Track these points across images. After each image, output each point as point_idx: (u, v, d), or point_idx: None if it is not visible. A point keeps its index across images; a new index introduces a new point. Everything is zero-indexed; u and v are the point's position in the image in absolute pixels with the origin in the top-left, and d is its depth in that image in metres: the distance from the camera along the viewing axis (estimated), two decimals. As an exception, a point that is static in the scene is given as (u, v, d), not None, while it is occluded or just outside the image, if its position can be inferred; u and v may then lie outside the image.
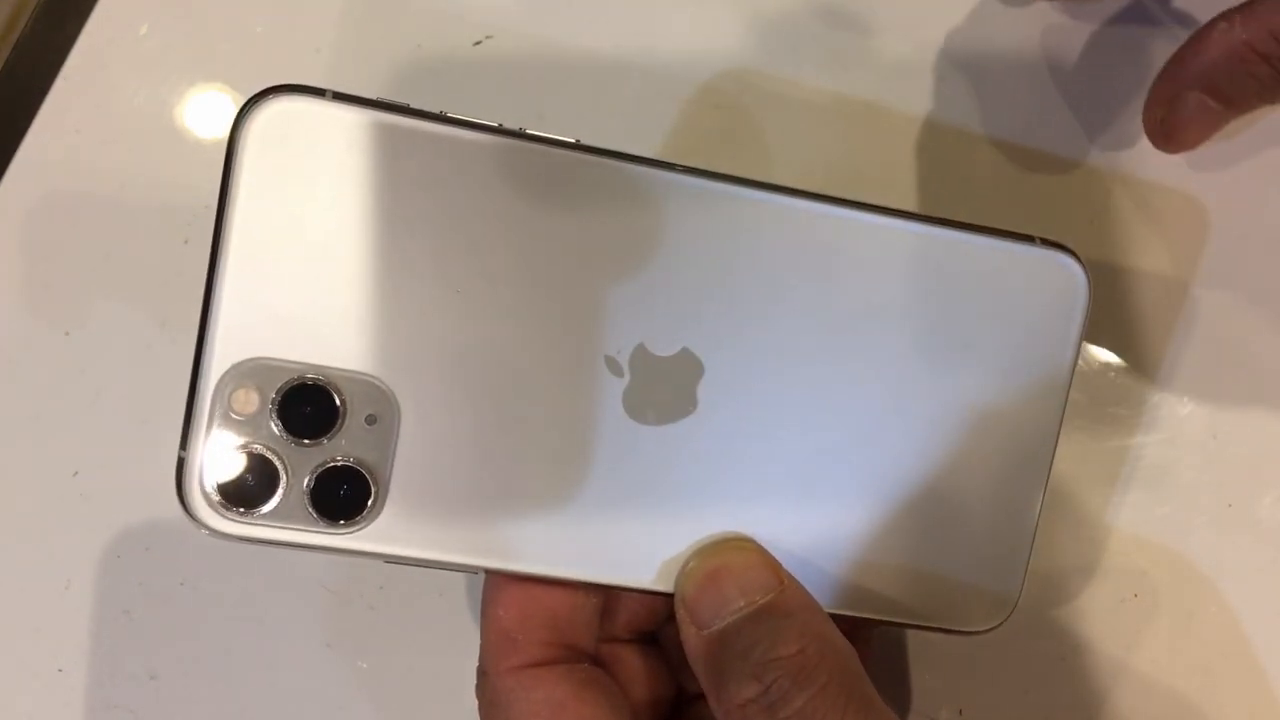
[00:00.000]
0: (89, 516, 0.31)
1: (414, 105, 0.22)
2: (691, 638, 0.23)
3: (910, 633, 0.31)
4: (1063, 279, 0.25)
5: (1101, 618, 0.32)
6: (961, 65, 0.33)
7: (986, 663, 0.31)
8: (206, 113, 0.33)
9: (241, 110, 0.21)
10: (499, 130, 0.22)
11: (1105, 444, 0.32)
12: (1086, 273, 0.25)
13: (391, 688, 0.31)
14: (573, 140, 0.23)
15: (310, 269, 0.22)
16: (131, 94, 0.33)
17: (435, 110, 0.22)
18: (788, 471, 0.24)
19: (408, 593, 0.31)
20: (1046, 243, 0.25)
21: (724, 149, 0.33)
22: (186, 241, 0.32)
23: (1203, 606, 0.32)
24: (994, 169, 0.33)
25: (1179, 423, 0.32)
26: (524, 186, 0.22)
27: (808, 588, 0.23)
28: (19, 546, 0.31)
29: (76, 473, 0.31)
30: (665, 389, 0.23)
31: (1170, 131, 0.29)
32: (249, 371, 0.22)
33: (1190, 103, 0.28)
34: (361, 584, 0.31)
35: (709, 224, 0.23)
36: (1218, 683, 0.31)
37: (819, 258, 0.24)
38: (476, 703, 0.24)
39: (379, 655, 0.31)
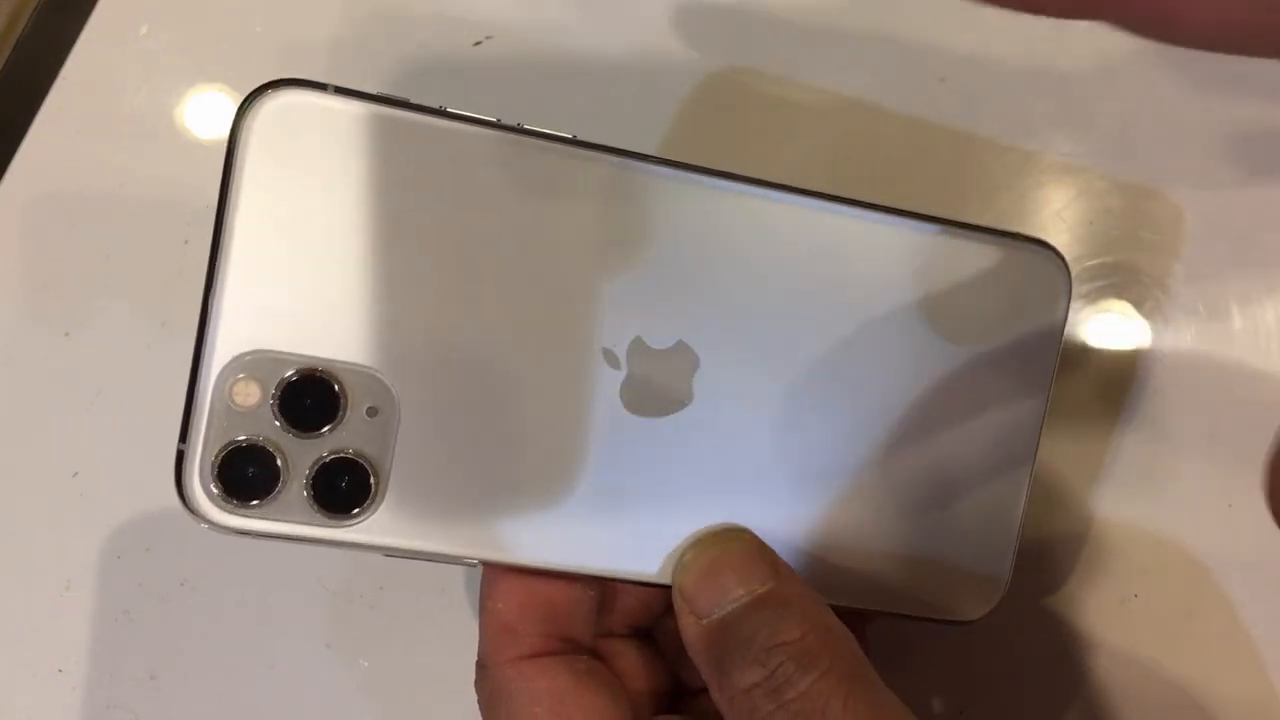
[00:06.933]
0: (89, 516, 0.31)
1: (414, 100, 0.22)
2: (690, 627, 0.23)
3: (910, 632, 0.31)
4: (1045, 273, 0.25)
5: (1102, 617, 0.32)
6: (960, 67, 0.33)
7: (987, 662, 0.31)
8: (206, 113, 0.33)
9: (243, 103, 0.21)
10: (498, 125, 0.22)
11: (1105, 444, 0.32)
12: (1067, 267, 0.26)
13: (392, 687, 0.31)
14: (570, 135, 0.23)
15: (310, 261, 0.22)
16: (131, 94, 0.33)
17: (435, 105, 0.22)
18: (780, 463, 0.24)
19: (408, 592, 0.31)
20: (1029, 239, 0.25)
21: (723, 149, 0.33)
22: (186, 241, 0.32)
23: (1203, 606, 0.32)
24: (990, 169, 0.33)
25: (1178, 422, 0.32)
26: (523, 181, 0.23)
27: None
28: (19, 546, 0.31)
29: (76, 473, 0.31)
30: (661, 381, 0.24)
31: None
32: (250, 364, 0.22)
33: None
34: (362, 583, 0.31)
35: (704, 219, 0.24)
36: (1218, 683, 0.31)
37: (812, 252, 0.24)
38: (476, 699, 0.24)
39: (379, 655, 0.31)
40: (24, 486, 0.31)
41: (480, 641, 0.24)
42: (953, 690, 0.32)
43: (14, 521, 0.31)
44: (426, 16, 0.33)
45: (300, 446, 0.22)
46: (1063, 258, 0.26)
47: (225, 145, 0.21)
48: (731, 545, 0.23)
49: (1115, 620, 0.31)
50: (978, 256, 0.25)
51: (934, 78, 0.33)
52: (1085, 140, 0.33)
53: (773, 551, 0.24)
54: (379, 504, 0.22)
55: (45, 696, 0.31)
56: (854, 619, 0.25)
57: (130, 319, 0.32)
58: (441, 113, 0.22)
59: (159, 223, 0.32)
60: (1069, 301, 0.26)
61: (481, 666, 0.24)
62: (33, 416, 0.31)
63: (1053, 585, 0.32)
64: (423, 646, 0.31)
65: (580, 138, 0.23)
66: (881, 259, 0.24)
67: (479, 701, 0.24)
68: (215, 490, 0.22)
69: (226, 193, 0.21)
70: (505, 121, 0.22)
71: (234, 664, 0.31)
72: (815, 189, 0.24)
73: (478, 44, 0.33)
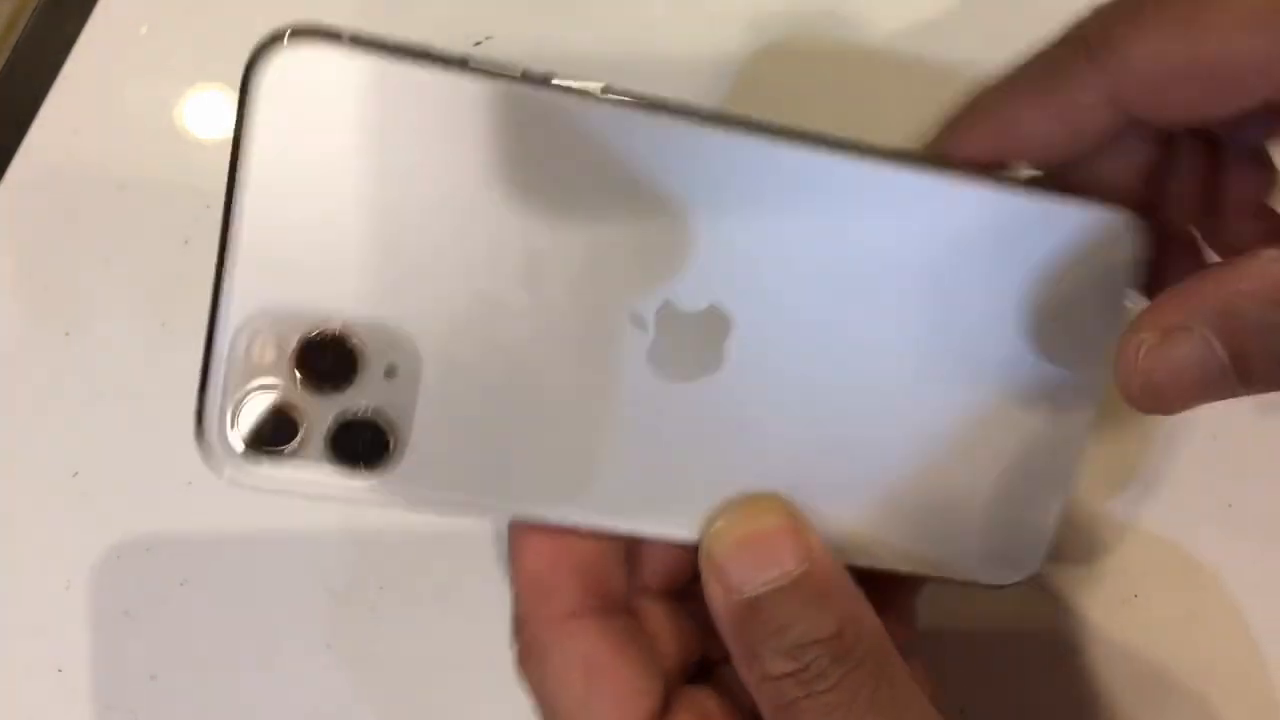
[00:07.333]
0: (89, 516, 0.31)
1: (435, 50, 0.21)
2: (719, 599, 0.22)
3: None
4: (1111, 240, 0.24)
5: (1102, 617, 0.32)
6: (962, 68, 0.33)
7: (987, 662, 0.31)
8: (206, 113, 0.33)
9: (255, 53, 0.20)
10: (524, 78, 0.21)
11: (1104, 444, 0.32)
12: (1136, 229, 0.23)
13: (392, 688, 0.31)
14: (599, 88, 0.22)
15: (328, 217, 0.21)
16: (131, 94, 0.33)
17: (458, 56, 0.21)
18: (815, 428, 0.24)
19: (408, 593, 0.31)
20: (1094, 200, 0.23)
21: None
22: (186, 242, 0.32)
23: (1203, 607, 0.32)
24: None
25: (1178, 422, 0.32)
26: (549, 137, 0.22)
27: (834, 540, 0.23)
28: (19, 546, 0.31)
29: (76, 473, 0.31)
30: (692, 345, 0.23)
31: (1153, 380, 0.20)
32: (268, 319, 0.21)
33: (1194, 344, 0.20)
34: (362, 585, 0.31)
35: (740, 177, 0.22)
36: (1219, 683, 0.31)
37: (855, 213, 0.23)
38: (514, 662, 0.24)
39: (379, 656, 0.31)
40: (24, 486, 0.31)
41: (516, 600, 0.23)
42: (952, 690, 0.32)
43: (14, 521, 0.31)
44: (426, 16, 0.33)
45: (319, 402, 0.21)
46: (1133, 218, 0.23)
47: (234, 118, 0.20)
48: (766, 519, 0.23)
49: (1116, 620, 0.31)
50: (1035, 218, 0.23)
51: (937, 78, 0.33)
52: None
53: (807, 524, 0.23)
54: (399, 460, 0.22)
55: (45, 696, 0.31)
56: (900, 590, 0.25)
57: (130, 319, 0.32)
58: (464, 64, 0.21)
59: (159, 223, 0.32)
60: (1137, 263, 0.24)
61: (520, 621, 0.23)
62: (33, 416, 0.31)
63: (1053, 585, 0.32)
64: (422, 648, 0.31)
65: (611, 89, 0.21)
66: (929, 220, 0.23)
67: (516, 653, 0.23)
68: (234, 445, 0.21)
69: (239, 146, 0.20)
70: (532, 73, 0.21)
71: (234, 664, 0.31)
72: (856, 141, 0.22)
73: (478, 44, 0.33)
